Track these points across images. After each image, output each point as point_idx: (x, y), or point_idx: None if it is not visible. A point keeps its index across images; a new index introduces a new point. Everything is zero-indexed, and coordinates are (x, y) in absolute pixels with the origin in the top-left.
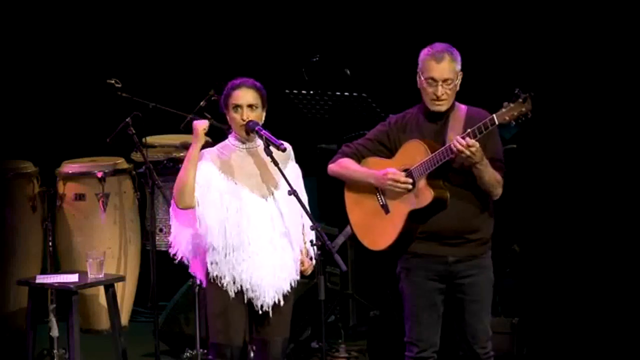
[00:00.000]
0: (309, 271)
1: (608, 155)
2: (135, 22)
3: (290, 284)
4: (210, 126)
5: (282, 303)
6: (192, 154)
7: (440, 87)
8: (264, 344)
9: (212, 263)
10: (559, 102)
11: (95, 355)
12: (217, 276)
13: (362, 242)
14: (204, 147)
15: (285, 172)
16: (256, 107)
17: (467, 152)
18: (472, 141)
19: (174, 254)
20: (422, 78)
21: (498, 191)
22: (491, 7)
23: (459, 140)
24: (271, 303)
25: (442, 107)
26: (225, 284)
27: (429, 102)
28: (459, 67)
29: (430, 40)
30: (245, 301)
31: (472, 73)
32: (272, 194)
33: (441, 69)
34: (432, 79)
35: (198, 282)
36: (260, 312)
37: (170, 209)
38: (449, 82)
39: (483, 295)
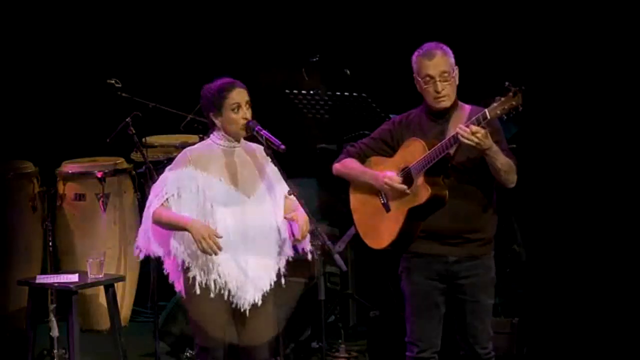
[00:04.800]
0: (305, 229)
1: (608, 155)
2: (135, 22)
3: (271, 284)
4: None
5: (259, 303)
6: (180, 224)
7: (439, 83)
8: (251, 348)
9: (186, 253)
10: (559, 102)
11: (95, 355)
12: (190, 271)
13: (364, 241)
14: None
15: (267, 172)
16: (250, 105)
17: (475, 139)
18: (476, 127)
19: (139, 250)
20: (420, 79)
21: (513, 178)
22: (490, 6)
23: (463, 128)
24: (251, 301)
25: (446, 102)
26: (200, 282)
27: (432, 101)
28: (452, 60)
29: (430, 39)
30: (226, 300)
31: (475, 71)
32: (252, 194)
33: (435, 64)
34: (429, 76)
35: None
36: (241, 310)
37: (145, 211)
38: (446, 75)
39: (484, 296)
